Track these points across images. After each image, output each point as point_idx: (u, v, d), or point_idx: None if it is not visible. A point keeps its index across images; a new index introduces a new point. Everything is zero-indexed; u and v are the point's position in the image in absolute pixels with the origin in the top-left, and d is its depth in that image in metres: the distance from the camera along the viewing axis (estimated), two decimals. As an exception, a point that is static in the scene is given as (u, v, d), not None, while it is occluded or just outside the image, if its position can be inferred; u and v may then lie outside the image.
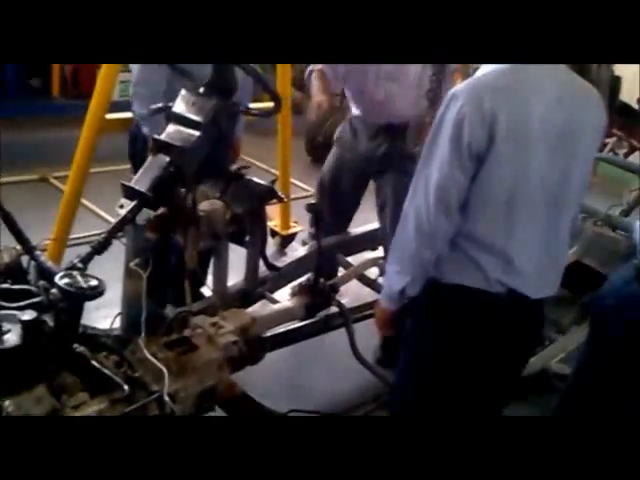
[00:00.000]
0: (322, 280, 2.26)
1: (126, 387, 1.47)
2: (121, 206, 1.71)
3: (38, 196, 4.00)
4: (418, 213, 1.57)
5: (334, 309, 2.38)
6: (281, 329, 2.22)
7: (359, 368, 2.43)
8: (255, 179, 2.08)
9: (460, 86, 1.55)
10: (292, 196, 3.95)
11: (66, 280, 1.37)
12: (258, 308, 2.37)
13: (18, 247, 1.66)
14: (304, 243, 3.21)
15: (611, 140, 5.23)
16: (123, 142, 2.69)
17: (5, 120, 4.42)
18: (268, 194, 2.09)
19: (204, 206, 1.93)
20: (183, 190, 1.81)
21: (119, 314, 1.76)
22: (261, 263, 2.22)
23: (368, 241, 3.25)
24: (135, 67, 2.54)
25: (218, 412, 1.84)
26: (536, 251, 1.60)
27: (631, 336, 1.87)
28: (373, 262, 2.77)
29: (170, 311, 1.86)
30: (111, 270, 1.74)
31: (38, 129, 4.94)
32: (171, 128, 1.83)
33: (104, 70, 2.73)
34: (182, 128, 1.82)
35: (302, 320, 2.28)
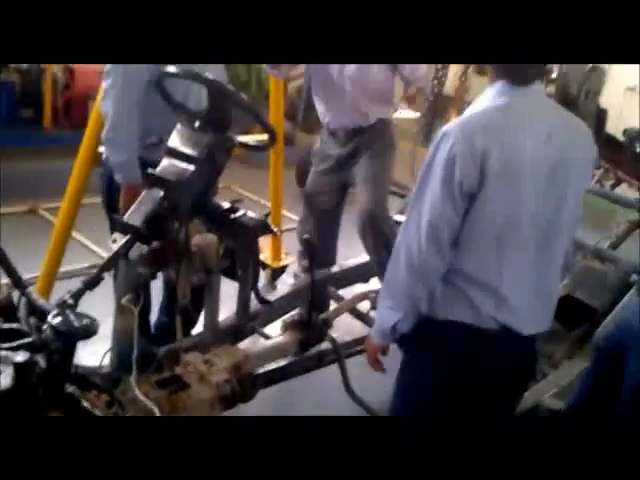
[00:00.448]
0: (314, 314, 2.24)
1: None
2: (114, 240, 1.69)
3: (27, 227, 3.98)
4: (410, 250, 1.57)
5: (326, 344, 2.36)
6: (274, 365, 2.18)
7: (351, 404, 2.38)
8: (249, 213, 2.08)
9: (451, 124, 1.56)
10: (283, 228, 3.94)
11: (59, 319, 1.34)
12: (250, 343, 2.34)
13: (6, 281, 1.63)
14: (296, 276, 3.19)
15: (598, 172, 5.29)
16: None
17: (-5, 150, 4.40)
18: (261, 228, 2.08)
19: (197, 240, 1.92)
20: (177, 224, 1.80)
21: (109, 350, 1.73)
22: (252, 297, 2.20)
23: (359, 274, 3.26)
24: (109, 112, 2.35)
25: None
26: (528, 287, 1.60)
27: None
28: (365, 295, 2.75)
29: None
30: (100, 303, 1.71)
31: (29, 160, 4.91)
32: (166, 162, 1.83)
33: (98, 102, 2.72)
34: (177, 162, 1.82)
35: (295, 355, 2.25)
